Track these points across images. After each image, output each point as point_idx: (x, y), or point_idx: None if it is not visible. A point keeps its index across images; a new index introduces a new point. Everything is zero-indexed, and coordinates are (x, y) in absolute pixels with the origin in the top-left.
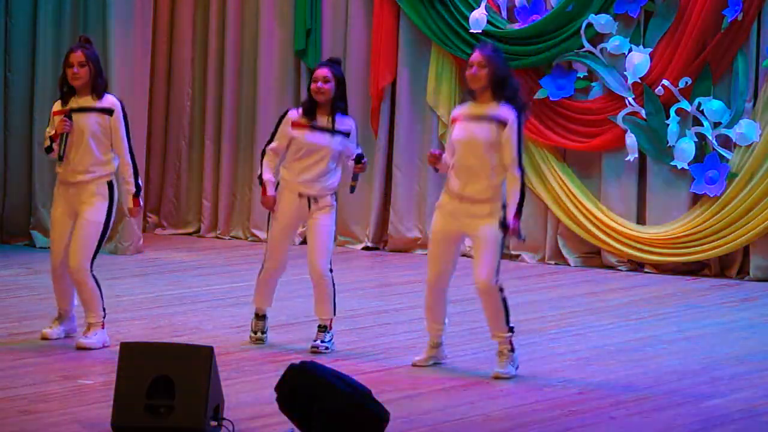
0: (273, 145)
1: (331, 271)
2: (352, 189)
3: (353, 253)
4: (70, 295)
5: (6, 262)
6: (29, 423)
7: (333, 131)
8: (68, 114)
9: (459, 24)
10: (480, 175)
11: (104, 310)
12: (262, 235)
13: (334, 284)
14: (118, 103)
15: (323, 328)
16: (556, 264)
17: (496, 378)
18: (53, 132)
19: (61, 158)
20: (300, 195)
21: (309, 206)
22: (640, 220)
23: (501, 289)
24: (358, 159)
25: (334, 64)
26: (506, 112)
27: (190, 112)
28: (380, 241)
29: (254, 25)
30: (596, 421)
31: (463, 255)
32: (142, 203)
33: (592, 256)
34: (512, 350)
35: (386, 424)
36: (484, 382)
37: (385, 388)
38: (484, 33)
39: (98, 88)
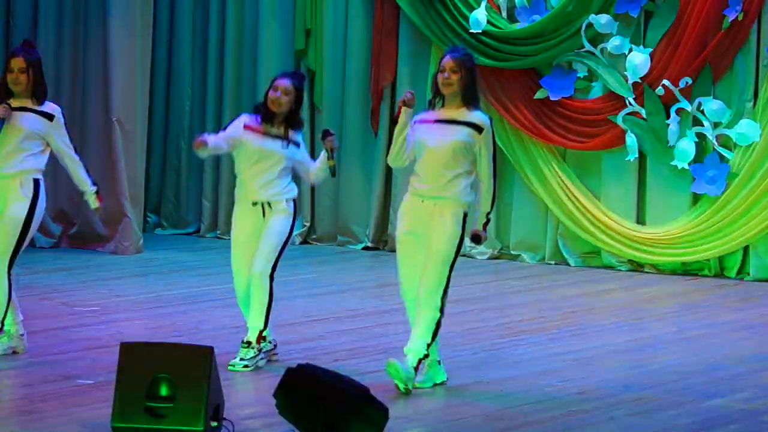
0: (220, 133)
1: (272, 279)
2: (333, 170)
3: (353, 253)
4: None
5: None
6: (29, 423)
7: (287, 140)
8: (8, 103)
9: (459, 24)
10: (447, 178)
11: (4, 317)
12: None
13: (271, 294)
14: (59, 109)
15: (247, 344)
16: (556, 264)
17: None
18: None
19: None
20: (254, 203)
21: (263, 213)
22: (640, 220)
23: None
24: (324, 134)
25: (298, 76)
26: (481, 118)
27: (190, 112)
28: (380, 241)
29: (254, 25)
30: (596, 421)
31: (463, 255)
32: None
33: (592, 256)
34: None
35: (386, 424)
36: (484, 382)
37: (385, 388)
38: (484, 33)
39: (39, 93)
